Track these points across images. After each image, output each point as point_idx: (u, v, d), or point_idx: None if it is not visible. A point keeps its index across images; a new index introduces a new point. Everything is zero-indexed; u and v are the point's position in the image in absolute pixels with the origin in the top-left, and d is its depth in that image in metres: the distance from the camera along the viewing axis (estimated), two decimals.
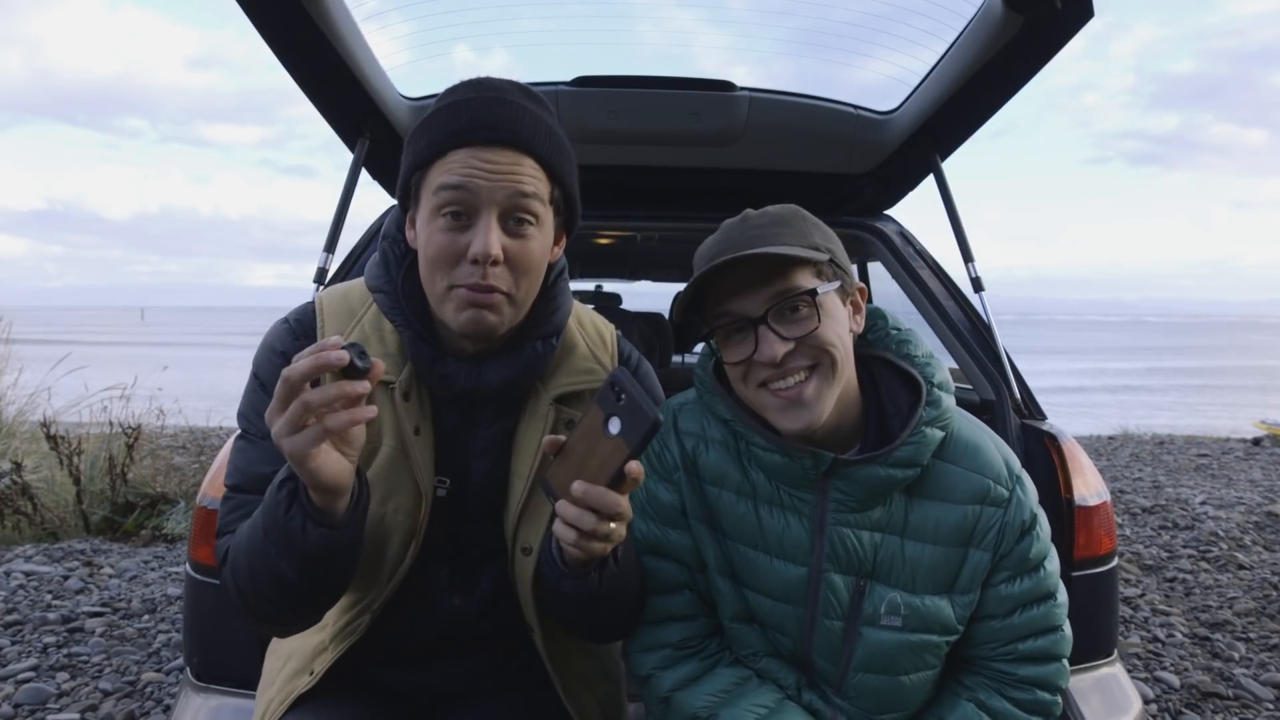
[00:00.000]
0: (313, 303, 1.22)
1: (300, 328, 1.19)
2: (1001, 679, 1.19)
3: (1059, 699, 1.19)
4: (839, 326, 1.13)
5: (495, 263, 1.07)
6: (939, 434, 1.15)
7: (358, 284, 1.25)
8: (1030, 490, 1.20)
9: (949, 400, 1.17)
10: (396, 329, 1.17)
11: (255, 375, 1.18)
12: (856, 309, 1.20)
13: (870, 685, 1.18)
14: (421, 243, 1.11)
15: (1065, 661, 1.19)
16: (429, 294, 1.12)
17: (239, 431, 1.19)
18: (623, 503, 0.95)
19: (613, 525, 0.96)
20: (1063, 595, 1.20)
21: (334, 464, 0.92)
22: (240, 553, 1.05)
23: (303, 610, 1.09)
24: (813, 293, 1.10)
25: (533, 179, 1.09)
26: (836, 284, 1.14)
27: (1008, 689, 1.19)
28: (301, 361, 0.88)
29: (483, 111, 1.08)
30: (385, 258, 1.20)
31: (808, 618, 1.18)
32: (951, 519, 1.15)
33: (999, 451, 1.20)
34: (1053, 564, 1.19)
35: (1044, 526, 1.20)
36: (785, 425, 1.12)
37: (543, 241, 1.13)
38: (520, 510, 1.19)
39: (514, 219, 1.09)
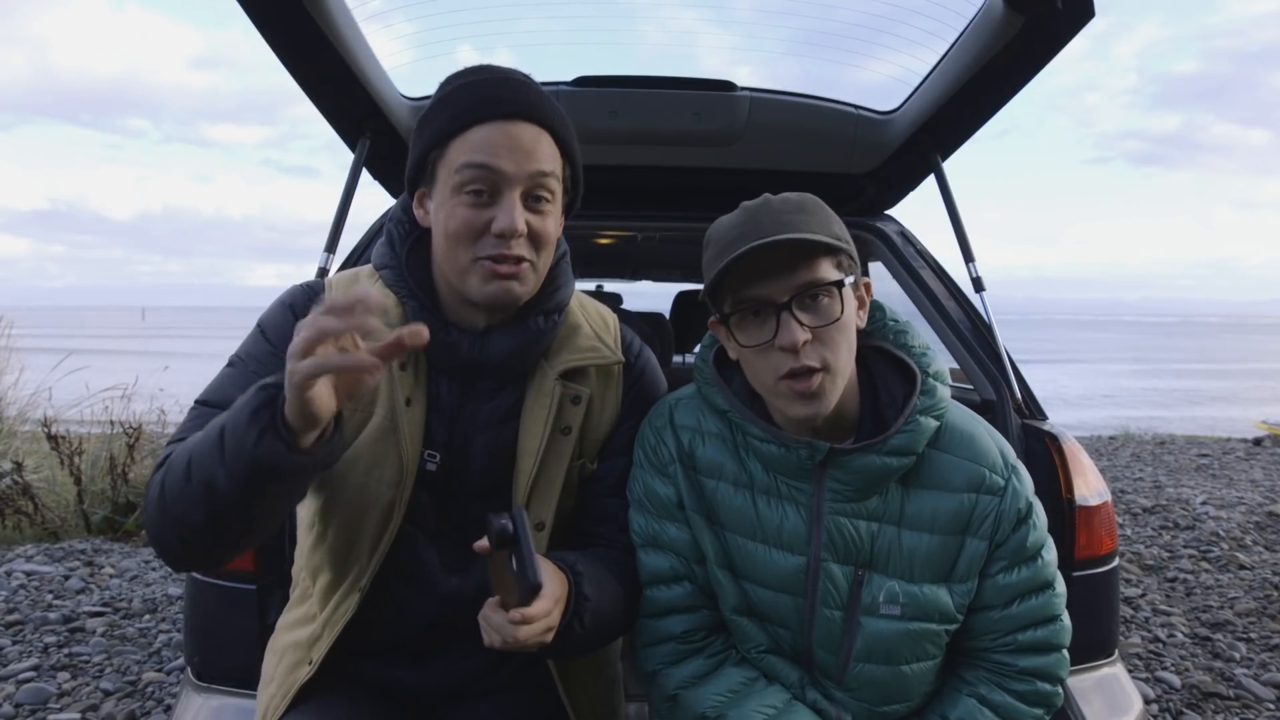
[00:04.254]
0: (323, 280, 1.27)
1: (313, 292, 1.23)
2: (1002, 671, 1.20)
3: (1059, 689, 1.20)
4: (849, 321, 1.15)
5: (518, 236, 1.10)
6: (933, 423, 1.16)
7: (366, 267, 1.28)
8: (1026, 480, 1.21)
9: (944, 391, 1.18)
10: (401, 301, 1.19)
11: (259, 326, 1.21)
12: (861, 304, 1.21)
13: (871, 676, 1.18)
14: (440, 219, 1.13)
15: (1065, 652, 1.20)
16: (448, 268, 1.15)
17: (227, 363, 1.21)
18: (533, 613, 0.99)
19: (527, 632, 1.00)
20: (1061, 585, 1.21)
21: (325, 400, 0.87)
22: (183, 450, 0.99)
23: (213, 532, 0.98)
24: (839, 283, 1.12)
25: (551, 157, 1.13)
26: (853, 277, 1.16)
27: (1008, 681, 1.19)
28: (367, 302, 0.83)
29: (503, 87, 1.12)
30: (390, 237, 1.24)
31: (807, 608, 1.18)
32: (947, 508, 1.16)
33: (994, 441, 1.21)
34: (1050, 554, 1.20)
35: (1040, 516, 1.20)
36: (795, 413, 1.13)
37: (557, 217, 1.17)
38: (530, 485, 1.21)
39: (534, 196, 1.12)
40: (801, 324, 1.10)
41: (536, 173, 1.11)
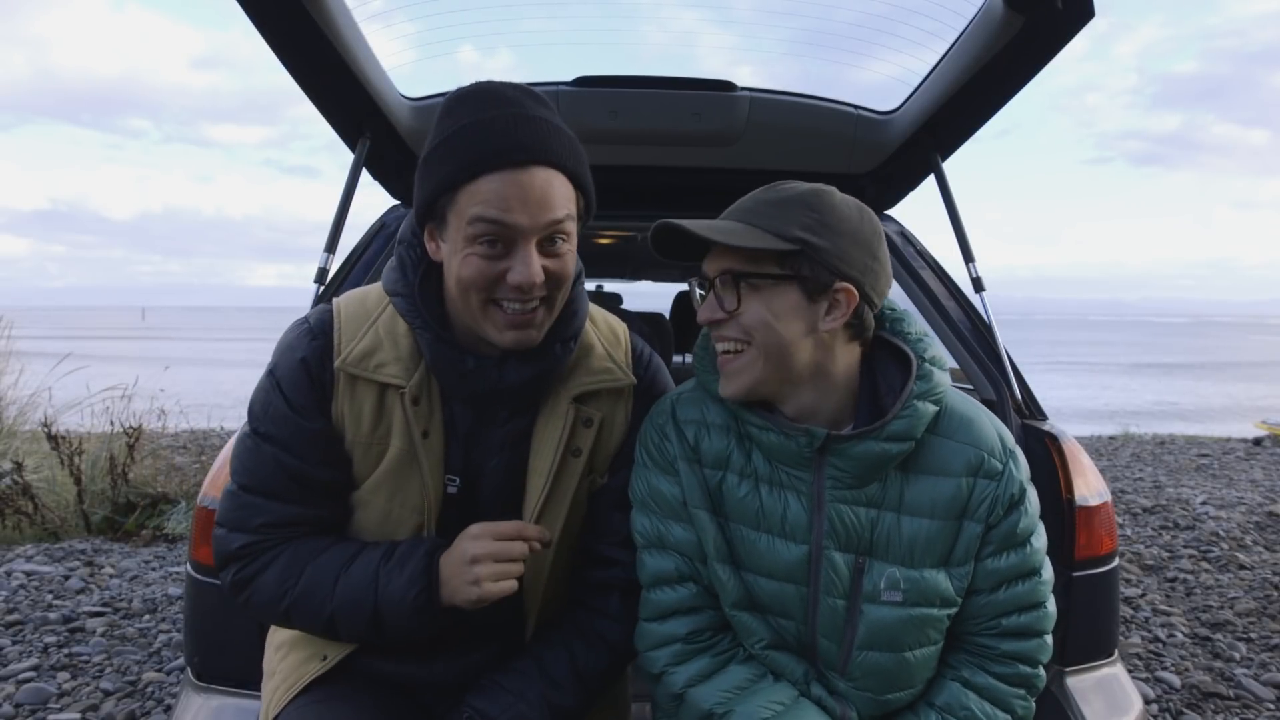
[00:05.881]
0: (330, 307, 1.22)
1: (319, 329, 1.19)
2: (983, 654, 1.21)
3: (1041, 672, 1.21)
4: (777, 318, 1.13)
5: (536, 286, 1.09)
6: (931, 408, 1.15)
7: (375, 288, 1.25)
8: (1023, 466, 1.21)
9: (941, 376, 1.18)
10: (414, 331, 1.17)
11: (273, 374, 1.18)
12: (835, 308, 1.14)
13: (874, 664, 1.18)
14: (454, 265, 1.10)
15: (1048, 637, 1.21)
16: (463, 310, 1.13)
17: (248, 428, 1.18)
18: None
19: None
20: (1048, 572, 1.21)
21: None
22: (313, 599, 1.14)
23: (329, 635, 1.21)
24: (738, 275, 1.14)
25: (564, 200, 1.10)
26: (792, 276, 1.12)
27: (990, 664, 1.20)
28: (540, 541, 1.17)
29: (512, 132, 1.06)
30: (402, 262, 1.19)
31: (810, 597, 1.19)
32: (946, 492, 1.17)
33: (993, 426, 1.21)
34: (1039, 540, 1.21)
35: (1033, 503, 1.21)
36: (720, 390, 1.19)
37: (573, 251, 1.15)
38: (540, 506, 1.22)
39: (549, 240, 1.10)
40: (721, 305, 1.16)
41: (551, 222, 1.08)
